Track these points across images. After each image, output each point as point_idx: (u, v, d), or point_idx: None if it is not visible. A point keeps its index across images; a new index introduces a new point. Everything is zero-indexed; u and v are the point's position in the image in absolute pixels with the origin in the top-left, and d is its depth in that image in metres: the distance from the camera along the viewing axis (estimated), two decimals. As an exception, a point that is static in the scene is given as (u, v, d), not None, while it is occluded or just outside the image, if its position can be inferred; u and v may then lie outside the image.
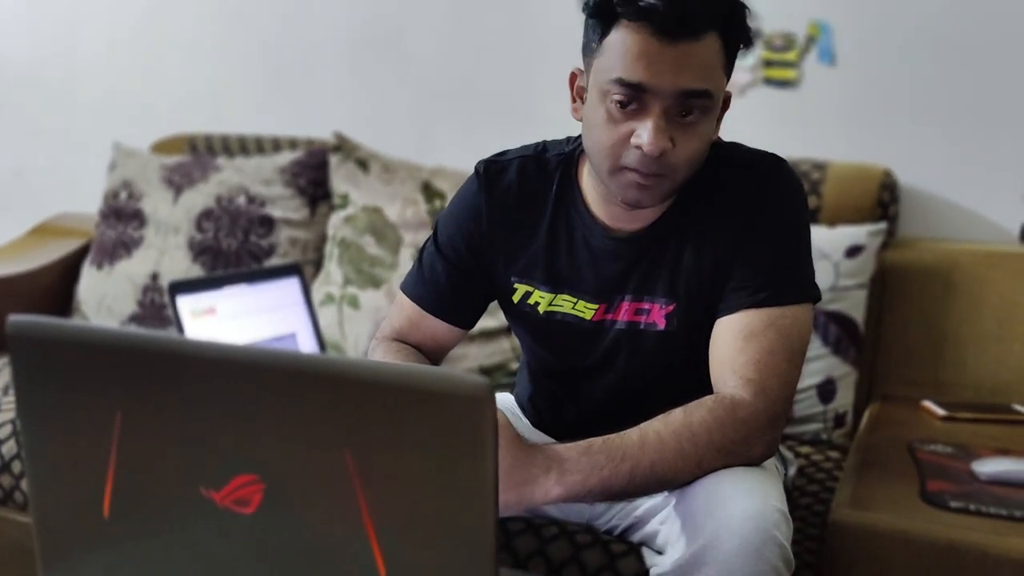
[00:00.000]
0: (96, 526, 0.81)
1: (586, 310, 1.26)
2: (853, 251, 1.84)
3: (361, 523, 0.70)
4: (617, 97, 1.10)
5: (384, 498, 0.70)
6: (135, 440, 0.78)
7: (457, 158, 2.19)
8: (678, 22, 1.07)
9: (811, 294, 1.20)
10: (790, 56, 2.10)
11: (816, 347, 1.81)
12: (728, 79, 1.16)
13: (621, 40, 1.09)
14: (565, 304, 1.27)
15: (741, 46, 1.15)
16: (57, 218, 2.64)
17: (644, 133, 1.09)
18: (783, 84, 2.11)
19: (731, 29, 1.12)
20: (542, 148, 1.31)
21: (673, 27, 1.07)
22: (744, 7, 1.13)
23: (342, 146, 2.28)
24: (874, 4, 2.03)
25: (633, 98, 1.10)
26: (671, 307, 1.22)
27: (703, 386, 1.17)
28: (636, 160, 1.12)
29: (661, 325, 1.23)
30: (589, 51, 1.15)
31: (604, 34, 1.11)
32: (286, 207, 2.29)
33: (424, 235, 1.37)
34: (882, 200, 1.94)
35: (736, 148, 1.24)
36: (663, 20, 1.06)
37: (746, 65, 2.13)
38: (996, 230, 2.00)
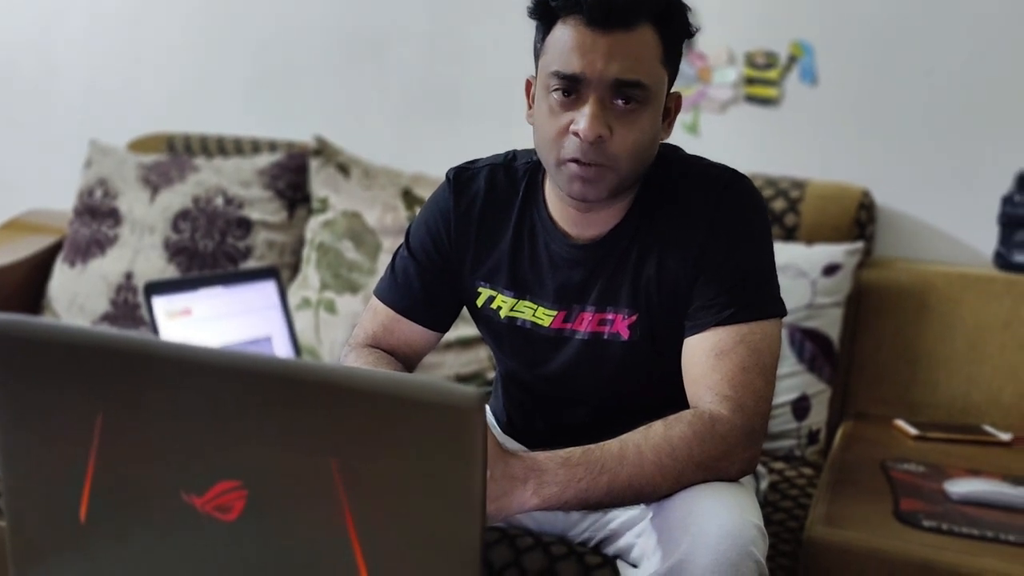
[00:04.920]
0: (72, 531, 0.79)
1: (545, 317, 1.27)
2: (830, 269, 1.86)
3: (346, 533, 0.70)
4: (556, 90, 1.14)
5: (370, 508, 0.69)
6: (116, 443, 0.76)
7: (438, 165, 2.16)
8: (607, 11, 1.10)
9: (778, 309, 1.20)
10: (772, 75, 2.12)
11: (791, 364, 1.82)
12: (671, 75, 1.18)
13: (559, 35, 1.14)
14: (526, 310, 1.28)
15: (684, 41, 1.18)
16: (29, 214, 2.61)
17: (581, 120, 1.13)
18: (764, 102, 2.13)
19: (667, 22, 1.14)
20: (512, 157, 1.33)
21: (603, 16, 1.11)
22: (680, 1, 1.16)
23: (323, 150, 2.26)
24: (856, 26, 2.05)
25: (571, 89, 1.13)
26: (634, 317, 1.23)
27: (675, 398, 1.18)
28: (575, 149, 1.14)
29: (625, 335, 1.23)
30: (536, 53, 1.20)
31: (546, 33, 1.16)
32: (264, 209, 2.27)
33: (403, 241, 1.37)
34: (859, 220, 1.96)
35: (696, 160, 1.26)
36: (593, 10, 1.11)
37: (728, 82, 2.15)
38: (970, 253, 2.02)
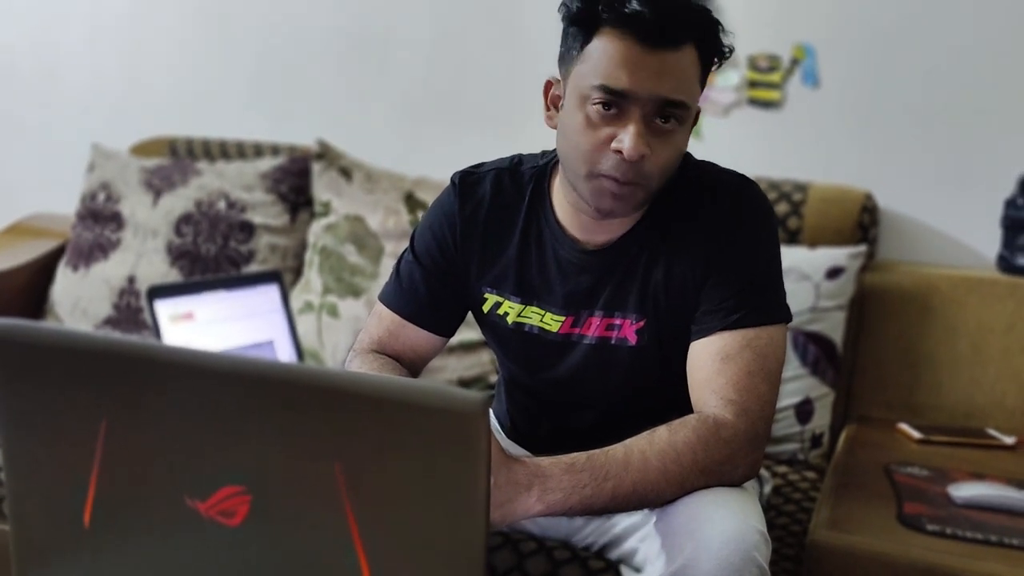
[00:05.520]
0: (76, 535, 0.79)
1: (553, 322, 1.26)
2: (833, 273, 1.86)
3: (349, 538, 0.70)
4: (598, 103, 1.12)
5: (373, 513, 0.69)
6: (119, 448, 0.76)
7: (440, 169, 2.17)
8: (661, 30, 1.09)
9: (784, 315, 1.20)
10: (774, 78, 2.12)
11: (795, 367, 1.82)
12: (701, 92, 1.18)
13: (603, 47, 1.11)
14: (534, 316, 1.27)
15: (715, 61, 1.17)
16: (32, 218, 2.61)
17: (626, 138, 1.11)
18: (767, 105, 2.13)
19: (708, 43, 1.14)
20: (517, 161, 1.32)
21: (656, 35, 1.09)
22: (719, 22, 1.15)
23: (325, 154, 2.26)
24: (858, 29, 2.05)
25: (614, 104, 1.11)
26: (641, 323, 1.23)
27: (679, 403, 1.18)
28: (613, 166, 1.13)
29: (633, 341, 1.23)
30: (568, 59, 1.17)
31: (586, 41, 1.13)
32: (267, 213, 2.27)
33: (406, 245, 1.37)
34: (862, 223, 1.96)
35: (707, 166, 1.26)
36: (647, 27, 1.09)
37: (731, 85, 2.14)
38: (973, 255, 2.02)
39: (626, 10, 1.09)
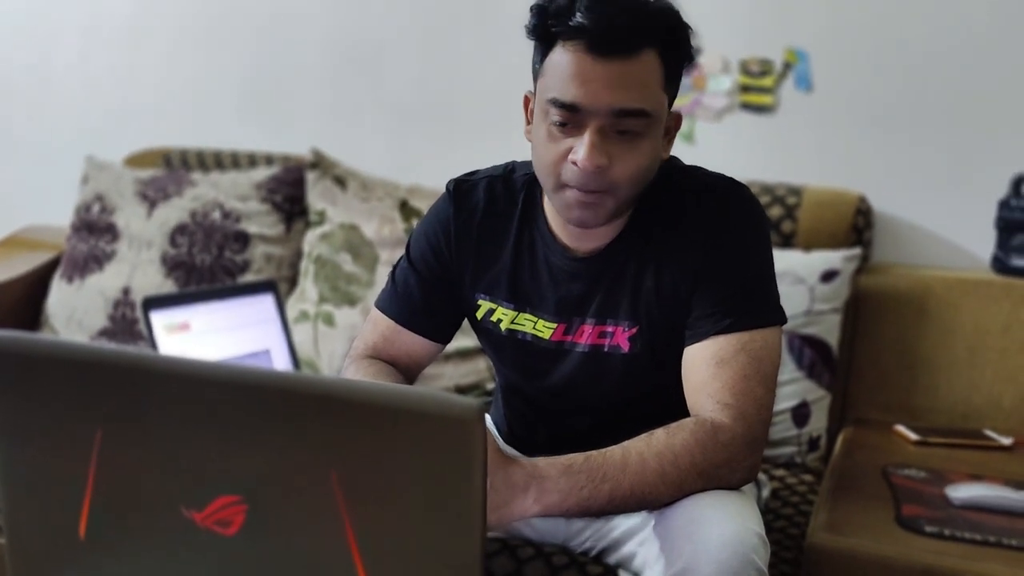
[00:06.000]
0: (71, 547, 0.79)
1: (545, 329, 1.26)
2: (828, 276, 1.86)
3: (346, 546, 0.69)
4: (554, 117, 1.12)
5: (370, 521, 0.69)
6: (115, 459, 0.76)
7: (435, 177, 2.17)
8: (610, 40, 1.08)
9: (778, 317, 1.20)
10: (767, 82, 2.12)
11: (791, 370, 1.82)
12: (672, 97, 1.17)
13: (558, 60, 1.12)
14: (527, 323, 1.28)
15: (685, 64, 1.17)
16: (27, 230, 2.61)
17: (580, 149, 1.11)
18: (760, 109, 2.13)
19: (669, 46, 1.13)
20: (511, 168, 1.33)
21: (605, 45, 1.08)
22: (683, 24, 1.14)
23: (319, 163, 2.27)
24: (850, 32, 2.06)
25: (569, 117, 1.11)
26: (634, 330, 1.22)
27: (675, 408, 1.17)
28: (574, 176, 1.13)
29: (626, 348, 1.23)
30: (535, 73, 1.18)
31: (544, 55, 1.14)
32: (261, 223, 2.27)
33: (401, 253, 1.37)
34: (857, 226, 1.96)
35: (695, 171, 1.25)
36: (594, 37, 1.08)
37: (723, 90, 2.15)
38: (968, 257, 2.03)
39: (570, 23, 1.09)
